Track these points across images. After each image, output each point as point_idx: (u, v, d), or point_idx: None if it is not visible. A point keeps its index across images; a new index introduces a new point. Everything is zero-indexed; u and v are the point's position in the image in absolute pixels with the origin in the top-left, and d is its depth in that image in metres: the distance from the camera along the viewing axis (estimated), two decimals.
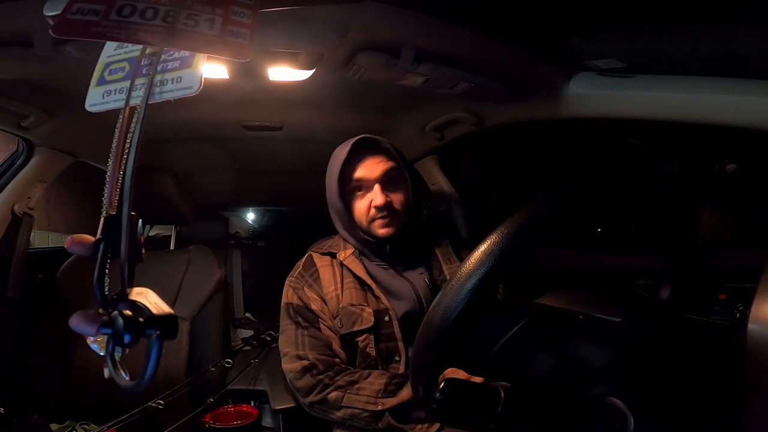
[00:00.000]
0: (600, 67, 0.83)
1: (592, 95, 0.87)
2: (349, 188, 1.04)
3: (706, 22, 0.66)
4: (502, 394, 0.52)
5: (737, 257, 0.81)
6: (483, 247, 0.48)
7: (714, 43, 0.68)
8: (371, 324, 0.99)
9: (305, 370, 0.97)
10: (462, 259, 1.07)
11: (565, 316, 0.59)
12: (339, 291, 1.03)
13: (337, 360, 0.99)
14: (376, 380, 0.93)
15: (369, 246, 1.07)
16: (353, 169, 1.02)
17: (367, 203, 1.02)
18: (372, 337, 0.99)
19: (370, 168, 1.01)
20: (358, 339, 1.00)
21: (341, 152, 1.03)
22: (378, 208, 1.00)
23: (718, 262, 0.89)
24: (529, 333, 0.55)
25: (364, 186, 1.03)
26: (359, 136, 1.03)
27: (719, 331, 0.67)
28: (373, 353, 0.99)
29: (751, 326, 0.42)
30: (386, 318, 1.00)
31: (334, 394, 0.94)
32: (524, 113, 1.05)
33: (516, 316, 0.56)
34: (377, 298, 1.02)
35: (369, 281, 1.03)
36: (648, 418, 0.48)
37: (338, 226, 1.09)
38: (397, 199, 1.03)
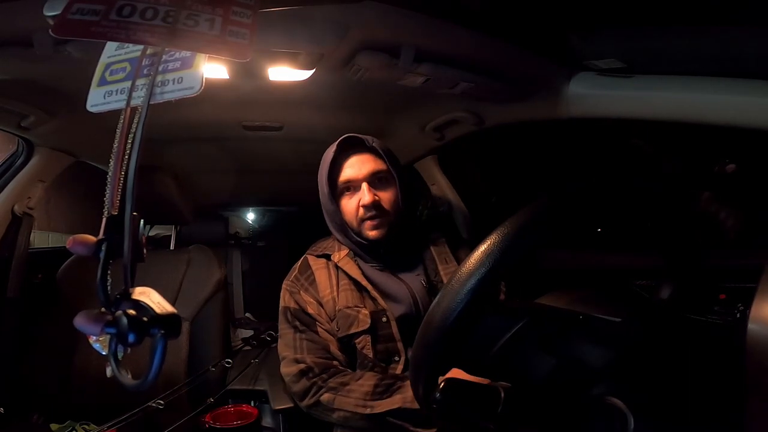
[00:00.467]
0: (600, 67, 0.83)
1: (592, 95, 0.87)
2: (339, 190, 1.04)
3: (706, 22, 0.66)
4: (502, 394, 0.52)
5: (737, 257, 0.81)
6: (483, 247, 0.48)
7: (714, 43, 0.68)
8: (368, 326, 0.98)
9: (302, 373, 0.96)
10: (460, 259, 1.08)
11: (565, 316, 0.59)
12: (335, 293, 1.03)
13: (334, 363, 0.98)
14: (366, 382, 0.92)
15: (362, 248, 1.06)
16: (341, 170, 1.02)
17: (356, 203, 1.02)
18: (369, 338, 0.98)
19: (357, 167, 1.02)
20: (356, 341, 0.99)
21: (328, 154, 1.03)
22: (366, 207, 1.00)
23: (718, 262, 0.89)
24: (529, 333, 0.55)
25: (353, 186, 1.03)
26: (344, 136, 1.03)
27: (719, 331, 0.67)
28: (371, 355, 0.98)
29: (751, 326, 0.42)
30: (383, 319, 0.99)
31: (326, 396, 0.93)
32: (524, 113, 1.05)
33: (516, 316, 0.56)
34: (374, 299, 1.01)
35: (365, 283, 1.02)
36: (648, 418, 0.48)
37: (332, 228, 1.09)
38: (385, 198, 1.02)
